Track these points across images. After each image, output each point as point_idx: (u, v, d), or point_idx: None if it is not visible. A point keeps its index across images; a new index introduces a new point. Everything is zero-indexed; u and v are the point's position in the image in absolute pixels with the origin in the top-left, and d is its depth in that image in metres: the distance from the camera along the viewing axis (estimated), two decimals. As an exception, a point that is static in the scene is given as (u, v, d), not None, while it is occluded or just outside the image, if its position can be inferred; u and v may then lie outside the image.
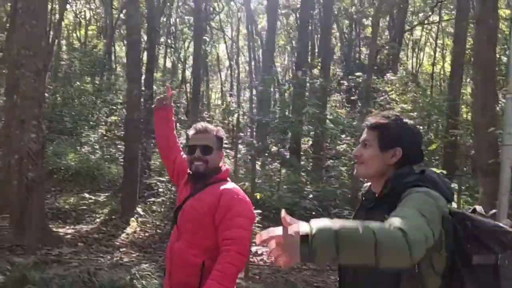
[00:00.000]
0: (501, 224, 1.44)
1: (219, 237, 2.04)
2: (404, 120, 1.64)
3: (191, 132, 2.25)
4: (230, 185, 2.18)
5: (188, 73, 23.40)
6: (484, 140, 8.72)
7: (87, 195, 8.18)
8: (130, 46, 8.79)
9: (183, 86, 21.40)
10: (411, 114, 10.78)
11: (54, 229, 6.62)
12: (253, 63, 21.90)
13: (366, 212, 1.58)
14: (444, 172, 8.13)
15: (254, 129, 17.95)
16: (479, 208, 1.58)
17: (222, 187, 2.13)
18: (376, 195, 1.61)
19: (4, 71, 14.60)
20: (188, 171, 2.24)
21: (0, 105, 8.76)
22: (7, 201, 6.38)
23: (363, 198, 1.70)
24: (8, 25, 15.06)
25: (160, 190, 8.82)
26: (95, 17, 21.71)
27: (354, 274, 1.56)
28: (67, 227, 7.25)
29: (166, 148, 2.49)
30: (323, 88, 9.42)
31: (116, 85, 18.88)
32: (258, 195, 6.96)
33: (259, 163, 12.13)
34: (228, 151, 15.90)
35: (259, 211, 7.19)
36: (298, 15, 16.86)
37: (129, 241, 6.84)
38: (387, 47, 13.99)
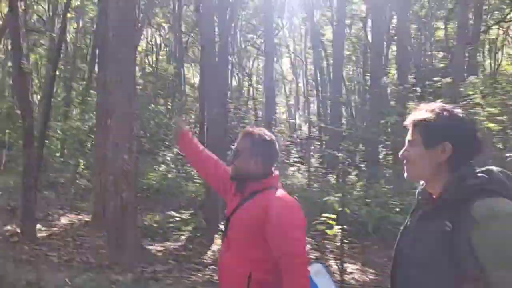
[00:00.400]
0: None
1: (273, 250, 1.96)
2: (451, 110, 1.45)
3: None
4: (277, 193, 2.06)
5: (252, 90, 23.79)
6: None
7: (173, 213, 8.40)
8: (206, 67, 9.03)
9: (250, 103, 21.72)
10: (500, 118, 10.06)
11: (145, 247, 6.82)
12: (318, 75, 21.74)
13: (421, 218, 1.44)
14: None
15: (324, 142, 17.75)
16: None
17: (268, 196, 2.04)
18: (433, 196, 1.45)
19: (88, 98, 15.73)
20: None
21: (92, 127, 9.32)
22: (102, 220, 6.70)
23: (419, 199, 1.55)
24: (89, 56, 16.23)
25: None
26: (165, 42, 22.73)
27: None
28: (156, 244, 7.46)
29: (203, 167, 2.50)
30: (403, 96, 9.05)
31: (186, 105, 19.58)
32: (346, 210, 6.73)
33: (334, 176, 11.88)
34: (299, 165, 15.79)
35: (345, 226, 6.95)
36: (366, 24, 16.56)
37: (216, 259, 6.88)
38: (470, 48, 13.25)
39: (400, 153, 1.55)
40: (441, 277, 1.31)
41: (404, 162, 1.52)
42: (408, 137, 1.52)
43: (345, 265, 6.88)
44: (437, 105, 1.51)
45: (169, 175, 12.03)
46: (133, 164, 6.36)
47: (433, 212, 1.40)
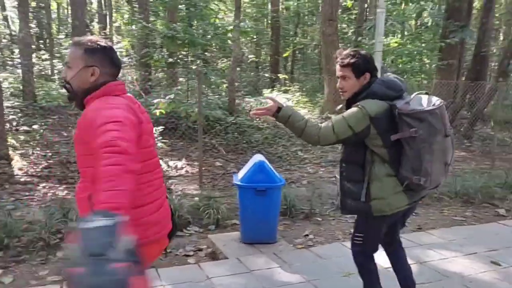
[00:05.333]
0: (416, 108, 2.23)
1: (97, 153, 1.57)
2: (363, 53, 2.46)
3: None
4: (97, 101, 1.76)
5: None
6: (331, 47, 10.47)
7: None
8: None
9: None
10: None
11: None
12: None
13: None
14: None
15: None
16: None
17: (89, 107, 1.78)
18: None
19: None
20: None
21: None
22: None
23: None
24: None
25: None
26: None
27: (344, 164, 2.51)
28: None
29: None
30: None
31: None
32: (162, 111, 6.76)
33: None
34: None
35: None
36: None
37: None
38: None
39: (338, 86, 2.50)
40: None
41: (341, 90, 2.49)
42: (342, 73, 2.44)
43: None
44: (354, 51, 2.44)
45: None
46: None
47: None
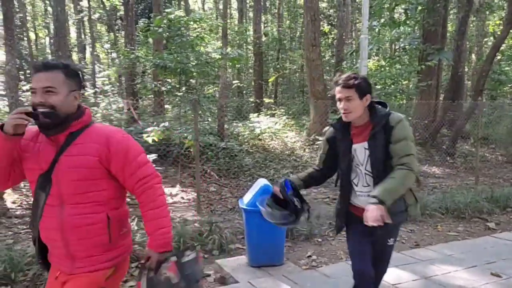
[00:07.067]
0: None
1: (128, 182, 1.92)
2: (363, 76, 2.54)
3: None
4: (106, 127, 1.96)
5: None
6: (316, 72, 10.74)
7: None
8: None
9: None
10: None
11: None
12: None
13: (371, 138, 2.47)
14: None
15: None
16: None
17: (101, 132, 1.90)
18: (354, 124, 2.55)
19: None
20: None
21: None
22: None
23: (341, 130, 2.62)
24: None
25: None
26: None
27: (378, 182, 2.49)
28: None
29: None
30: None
31: None
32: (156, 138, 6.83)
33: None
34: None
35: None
36: None
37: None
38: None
39: (341, 106, 2.46)
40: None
41: (345, 111, 2.46)
42: (346, 94, 2.44)
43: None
44: (354, 74, 2.50)
45: None
46: None
47: (376, 133, 2.44)
